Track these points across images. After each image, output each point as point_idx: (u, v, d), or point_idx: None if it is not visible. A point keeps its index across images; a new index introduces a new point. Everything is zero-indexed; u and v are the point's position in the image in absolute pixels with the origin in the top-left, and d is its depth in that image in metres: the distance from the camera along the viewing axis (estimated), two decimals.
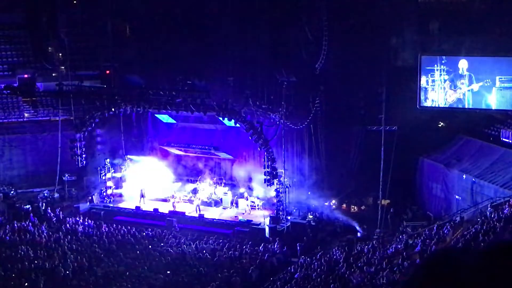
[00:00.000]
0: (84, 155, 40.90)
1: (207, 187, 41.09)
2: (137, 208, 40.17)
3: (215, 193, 40.64)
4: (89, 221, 37.54)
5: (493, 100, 36.07)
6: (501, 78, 35.58)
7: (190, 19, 41.82)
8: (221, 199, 40.34)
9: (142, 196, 41.05)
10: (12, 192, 41.61)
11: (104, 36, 44.69)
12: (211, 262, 31.76)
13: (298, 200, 38.48)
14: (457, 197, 35.74)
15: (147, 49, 43.27)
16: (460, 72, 36.58)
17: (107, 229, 36.23)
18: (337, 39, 37.93)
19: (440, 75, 37.11)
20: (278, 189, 36.98)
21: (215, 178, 41.72)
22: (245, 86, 39.93)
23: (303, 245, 34.12)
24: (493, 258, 2.36)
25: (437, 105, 37.74)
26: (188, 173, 43.23)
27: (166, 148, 43.44)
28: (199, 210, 38.98)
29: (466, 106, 36.93)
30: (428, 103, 37.79)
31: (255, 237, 35.36)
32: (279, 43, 39.98)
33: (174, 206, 39.73)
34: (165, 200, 41.16)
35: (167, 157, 43.42)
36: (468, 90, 36.43)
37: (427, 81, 37.42)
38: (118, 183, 43.26)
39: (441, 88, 37.25)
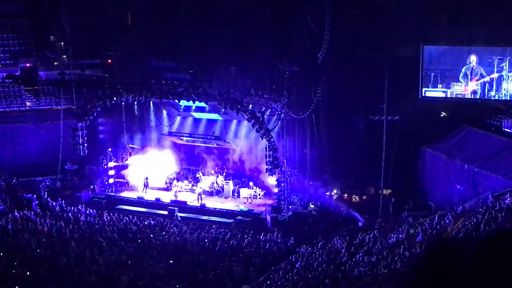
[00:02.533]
0: (86, 144, 40.91)
1: (208, 177, 41.15)
2: (139, 197, 40.26)
3: (216, 183, 40.72)
4: (91, 210, 37.60)
5: (504, 91, 36.18)
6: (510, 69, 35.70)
7: (192, 8, 41.73)
8: (222, 189, 40.44)
9: (146, 185, 41.16)
10: (14, 181, 41.67)
11: (106, 25, 44.59)
12: (212, 251, 31.82)
13: (299, 190, 38.54)
14: (458, 187, 35.73)
15: (149, 38, 43.19)
16: (471, 65, 36.56)
17: (109, 218, 36.31)
18: (339, 28, 37.82)
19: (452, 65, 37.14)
20: (280, 179, 37.02)
21: (216, 168, 41.78)
22: (247, 76, 39.88)
23: (298, 236, 34.12)
24: (493, 247, 2.36)
25: (443, 96, 37.76)
26: (190, 163, 43.27)
27: (168, 137, 43.44)
28: (201, 200, 39.05)
29: (479, 97, 36.95)
30: (435, 94, 37.80)
31: (257, 226, 35.40)
32: (281, 33, 39.89)
33: (175, 196, 39.78)
34: (167, 189, 41.25)
35: (169, 147, 43.42)
36: (482, 82, 36.43)
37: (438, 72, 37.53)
38: (120, 172, 43.30)
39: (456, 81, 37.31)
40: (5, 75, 42.55)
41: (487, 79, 36.34)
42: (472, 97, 37.23)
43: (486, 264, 2.31)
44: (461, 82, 37.18)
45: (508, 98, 36.55)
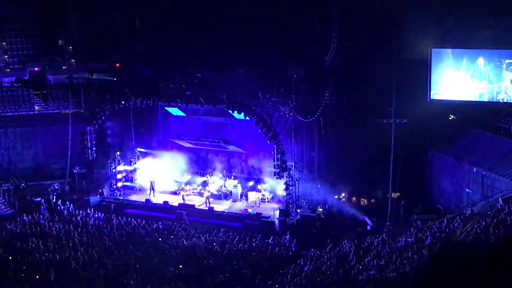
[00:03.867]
0: (94, 148, 41.05)
1: (216, 180, 41.16)
2: (147, 200, 40.31)
3: (224, 186, 40.73)
4: (99, 213, 37.65)
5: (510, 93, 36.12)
6: None
7: (199, 12, 41.76)
8: (230, 192, 40.44)
9: (152, 188, 41.19)
10: (22, 184, 41.77)
11: (114, 29, 44.69)
12: (220, 254, 31.81)
13: (307, 193, 38.48)
14: (467, 190, 35.62)
15: (157, 42, 43.25)
16: (479, 67, 36.48)
17: (117, 221, 36.35)
18: (347, 31, 37.79)
19: (460, 68, 37.05)
20: (288, 182, 36.97)
21: (224, 171, 41.77)
22: (255, 79, 39.90)
23: (306, 240, 34.09)
24: (503, 253, 2.35)
25: (452, 99, 37.65)
26: (198, 166, 43.27)
27: (176, 141, 43.49)
28: (209, 203, 39.06)
29: (486, 100, 36.84)
30: (443, 97, 37.71)
31: (265, 230, 35.37)
32: (289, 36, 39.88)
33: (184, 199, 39.81)
34: (175, 193, 41.29)
35: (177, 150, 43.44)
36: (487, 84, 36.41)
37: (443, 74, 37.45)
38: (128, 176, 43.37)
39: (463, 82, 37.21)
40: (13, 79, 42.72)
41: (494, 85, 36.28)
42: (479, 99, 37.08)
43: (494, 269, 2.30)
44: (469, 85, 37.04)
45: None
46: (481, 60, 36.41)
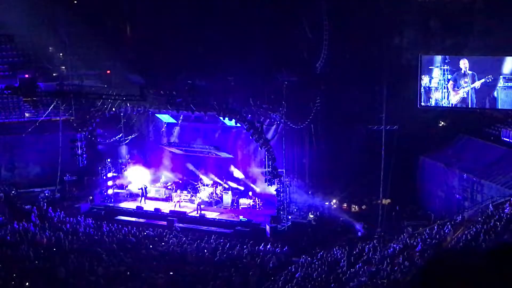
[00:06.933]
0: (84, 155, 40.90)
1: (207, 187, 41.10)
2: (138, 207, 40.21)
3: (215, 193, 40.66)
4: (90, 221, 37.51)
5: (497, 99, 36.22)
6: (505, 78, 35.74)
7: (190, 19, 41.78)
8: (221, 199, 40.38)
9: (143, 195, 41.10)
10: (13, 192, 41.58)
11: (104, 35, 44.63)
12: (212, 261, 31.75)
13: (298, 200, 38.48)
14: (457, 196, 35.72)
15: (147, 48, 43.25)
16: (462, 71, 36.67)
17: (108, 228, 36.23)
18: (337, 38, 37.90)
19: (444, 74, 37.19)
20: (279, 189, 36.96)
21: (215, 178, 41.72)
22: (246, 86, 39.92)
23: (297, 247, 34.11)
24: (496, 260, 2.36)
25: (440, 105, 37.81)
26: (189, 173, 43.22)
27: (166, 147, 43.42)
28: (200, 210, 38.99)
29: (470, 106, 37.02)
30: (431, 103, 37.86)
31: (256, 236, 35.32)
32: (279, 43, 39.95)
33: (179, 205, 39.76)
34: (166, 200, 41.20)
35: (167, 157, 43.39)
36: (472, 88, 36.53)
37: (430, 81, 37.50)
38: (119, 182, 43.26)
39: (445, 88, 37.35)
40: (4, 86, 42.51)
41: (477, 85, 36.45)
42: (469, 106, 37.25)
43: (487, 277, 2.31)
44: (455, 90, 37.20)
45: (506, 107, 36.61)
46: (466, 64, 36.57)
